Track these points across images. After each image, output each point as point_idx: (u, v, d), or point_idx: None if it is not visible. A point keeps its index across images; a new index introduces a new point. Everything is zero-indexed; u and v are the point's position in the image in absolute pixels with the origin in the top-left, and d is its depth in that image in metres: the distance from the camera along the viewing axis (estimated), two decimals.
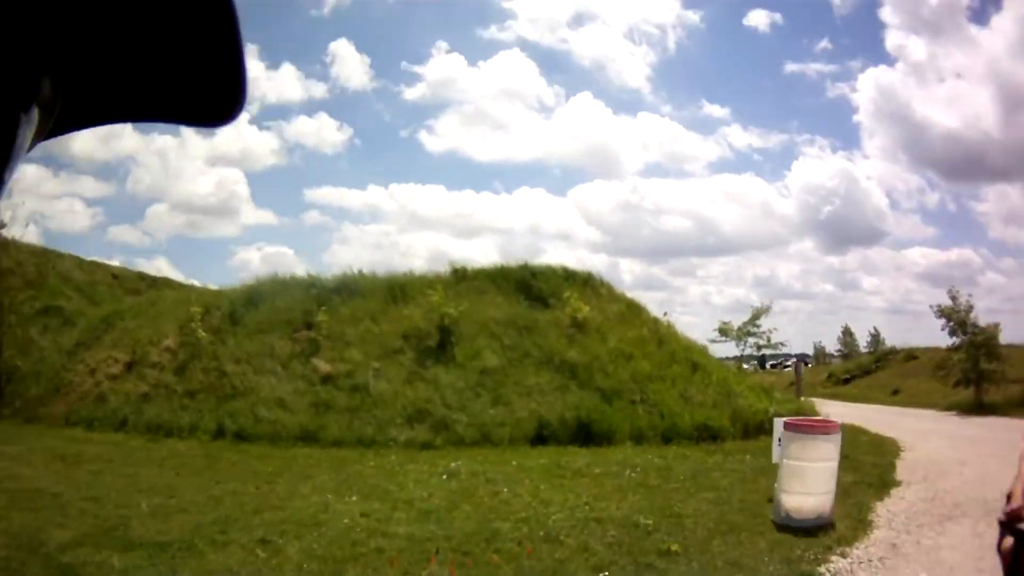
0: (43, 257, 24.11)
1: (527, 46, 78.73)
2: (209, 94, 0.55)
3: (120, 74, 0.52)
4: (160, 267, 21.24)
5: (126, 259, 62.33)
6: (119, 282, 27.13)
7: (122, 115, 0.57)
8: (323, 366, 14.61)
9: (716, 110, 69.70)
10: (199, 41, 0.52)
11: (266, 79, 47.27)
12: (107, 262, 30.06)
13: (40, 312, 21.08)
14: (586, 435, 12.84)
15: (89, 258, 28.67)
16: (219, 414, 14.05)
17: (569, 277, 16.90)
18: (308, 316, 15.67)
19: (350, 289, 16.46)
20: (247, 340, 15.75)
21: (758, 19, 63.91)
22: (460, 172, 68.71)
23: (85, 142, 46.19)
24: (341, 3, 57.38)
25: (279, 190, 59.09)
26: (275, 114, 64.80)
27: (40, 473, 10.61)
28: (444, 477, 9.96)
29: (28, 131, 0.48)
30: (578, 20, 70.52)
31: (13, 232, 20.87)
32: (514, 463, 10.96)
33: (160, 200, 68.60)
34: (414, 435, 12.74)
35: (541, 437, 12.84)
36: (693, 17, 64.19)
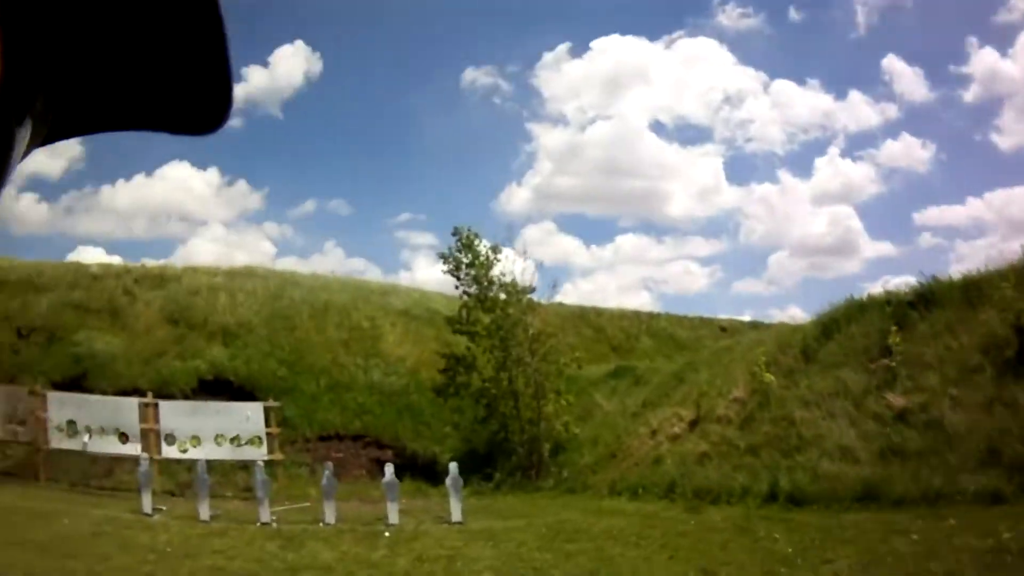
0: (633, 319, 25.11)
1: None
2: (197, 103, 0.58)
3: (112, 85, 0.55)
4: (794, 315, 20.48)
5: (756, 311, 65.85)
6: (726, 334, 26.34)
7: (113, 124, 0.59)
8: (896, 400, 11.62)
9: None
10: (188, 51, 0.54)
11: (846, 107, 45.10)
12: (717, 316, 30.77)
13: (610, 375, 21.21)
14: None
15: (693, 315, 29.68)
16: (776, 472, 12.05)
17: None
18: (884, 339, 12.84)
19: (926, 300, 13.22)
20: (819, 378, 13.53)
21: None
22: None
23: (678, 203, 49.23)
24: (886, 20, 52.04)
25: (888, 219, 56.56)
26: (860, 143, 62.89)
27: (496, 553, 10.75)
28: None
29: (23, 141, 0.50)
30: None
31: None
32: None
33: (778, 248, 69.98)
34: (986, 483, 9.35)
35: None
36: None
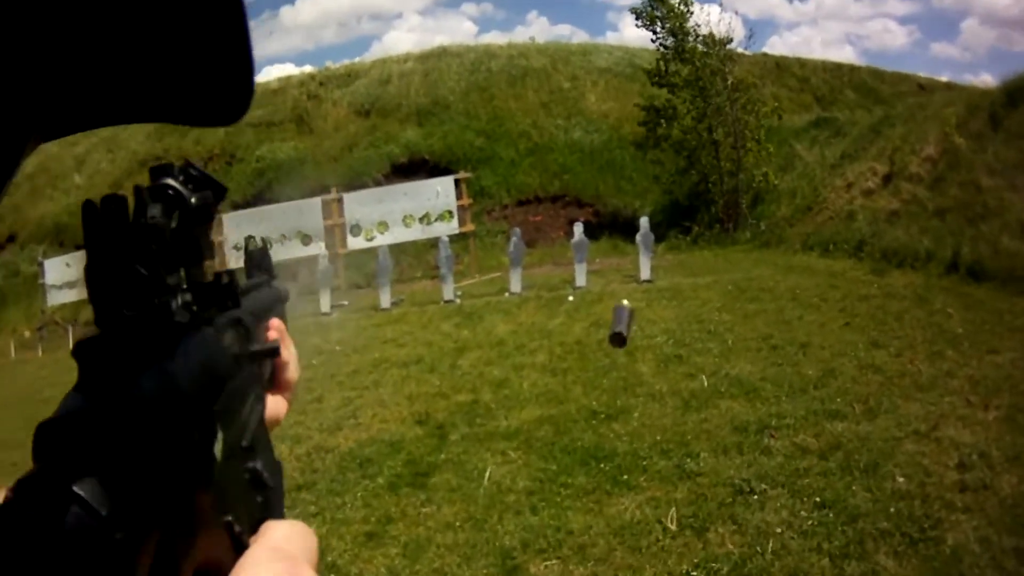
0: (836, 71, 24.40)
1: None
2: (217, 96, 0.57)
3: (127, 78, 0.54)
4: (987, 81, 19.68)
5: (953, 74, 62.36)
6: (924, 92, 25.28)
7: (129, 116, 0.59)
8: None
9: None
10: (209, 43, 0.54)
11: None
12: (917, 74, 29.92)
13: (811, 124, 21.26)
14: None
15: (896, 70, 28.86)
16: (960, 240, 12.32)
17: None
18: None
19: None
20: (1005, 147, 13.44)
21: None
22: None
23: None
24: None
25: None
26: None
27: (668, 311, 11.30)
28: None
29: (34, 134, 0.51)
30: None
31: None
32: None
33: (969, 15, 64.85)
34: None
35: None
36: None
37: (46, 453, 0.37)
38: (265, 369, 0.76)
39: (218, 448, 0.47)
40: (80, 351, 0.41)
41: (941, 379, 7.40)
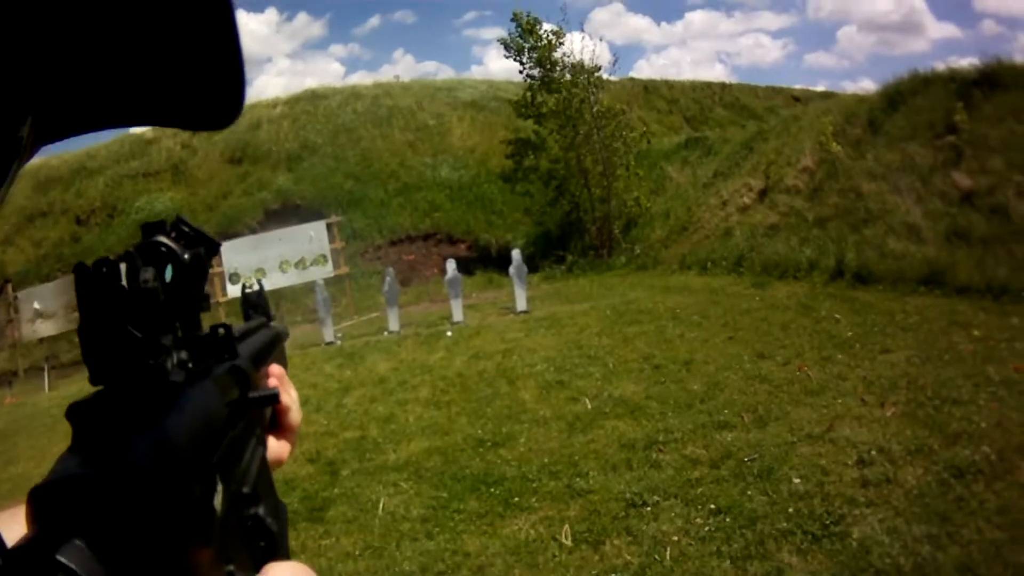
0: (706, 90, 25.38)
1: None
2: (209, 100, 0.58)
3: (122, 81, 0.55)
4: (867, 87, 20.81)
5: (831, 83, 67.69)
6: (800, 104, 26.56)
7: (122, 120, 0.60)
8: (963, 180, 12.09)
9: None
10: (200, 48, 0.54)
11: None
12: (791, 86, 31.22)
13: (681, 146, 21.95)
14: None
15: (766, 85, 30.32)
16: (843, 247, 12.72)
17: None
18: (949, 116, 13.12)
19: (991, 81, 13.28)
20: (885, 151, 13.98)
21: None
22: None
23: None
24: None
25: (951, 2, 57.23)
26: None
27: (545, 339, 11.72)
28: None
29: (28, 139, 0.51)
30: None
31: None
32: None
33: (847, 23, 70.77)
34: None
35: None
36: None
37: (38, 519, 0.36)
38: (266, 413, 0.78)
39: (218, 500, 0.47)
40: (74, 413, 0.41)
41: (833, 382, 7.47)
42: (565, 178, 20.30)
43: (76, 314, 0.42)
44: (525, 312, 14.11)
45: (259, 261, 19.11)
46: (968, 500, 4.68)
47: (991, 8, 68.87)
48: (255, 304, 0.90)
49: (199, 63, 0.55)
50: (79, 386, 13.99)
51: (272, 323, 0.92)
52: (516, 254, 14.77)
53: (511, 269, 14.60)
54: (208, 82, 0.56)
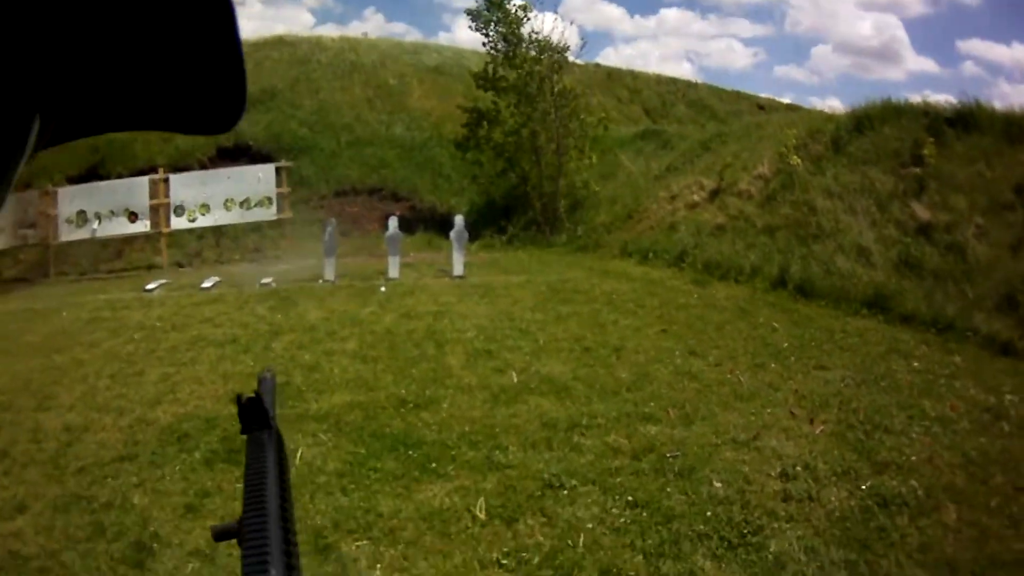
0: (671, 86, 25.49)
1: None
2: (210, 104, 0.60)
3: (124, 86, 0.56)
4: (834, 106, 20.96)
5: (797, 96, 70.04)
6: (763, 112, 26.88)
7: (124, 124, 0.61)
8: (922, 212, 12.13)
9: None
10: (200, 53, 0.56)
11: None
12: (757, 94, 31.44)
13: (638, 136, 22.07)
14: None
15: (735, 89, 30.44)
16: (789, 258, 12.71)
17: None
18: (918, 148, 13.17)
19: (966, 122, 13.35)
20: (847, 172, 13.99)
21: None
22: None
23: None
24: None
25: (934, 39, 61.11)
26: None
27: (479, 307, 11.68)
28: None
29: (31, 141, 0.51)
30: None
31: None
32: None
33: (822, 41, 73.63)
34: (999, 329, 9.37)
35: None
36: None
37: None
38: None
39: None
40: None
41: (764, 391, 7.50)
42: (517, 152, 20.26)
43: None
44: (461, 277, 14.21)
45: (205, 197, 19.30)
46: (890, 532, 4.69)
47: (975, 51, 70.87)
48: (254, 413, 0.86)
49: (201, 69, 0.56)
50: (17, 303, 14.17)
51: (273, 430, 0.88)
52: (459, 219, 14.86)
53: (452, 233, 14.71)
54: (210, 88, 0.58)
